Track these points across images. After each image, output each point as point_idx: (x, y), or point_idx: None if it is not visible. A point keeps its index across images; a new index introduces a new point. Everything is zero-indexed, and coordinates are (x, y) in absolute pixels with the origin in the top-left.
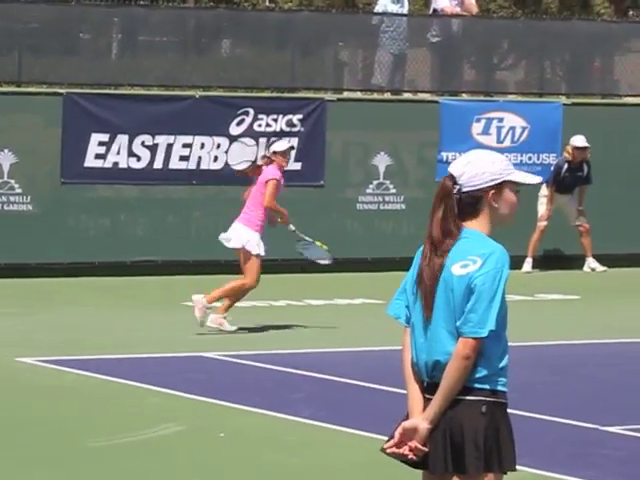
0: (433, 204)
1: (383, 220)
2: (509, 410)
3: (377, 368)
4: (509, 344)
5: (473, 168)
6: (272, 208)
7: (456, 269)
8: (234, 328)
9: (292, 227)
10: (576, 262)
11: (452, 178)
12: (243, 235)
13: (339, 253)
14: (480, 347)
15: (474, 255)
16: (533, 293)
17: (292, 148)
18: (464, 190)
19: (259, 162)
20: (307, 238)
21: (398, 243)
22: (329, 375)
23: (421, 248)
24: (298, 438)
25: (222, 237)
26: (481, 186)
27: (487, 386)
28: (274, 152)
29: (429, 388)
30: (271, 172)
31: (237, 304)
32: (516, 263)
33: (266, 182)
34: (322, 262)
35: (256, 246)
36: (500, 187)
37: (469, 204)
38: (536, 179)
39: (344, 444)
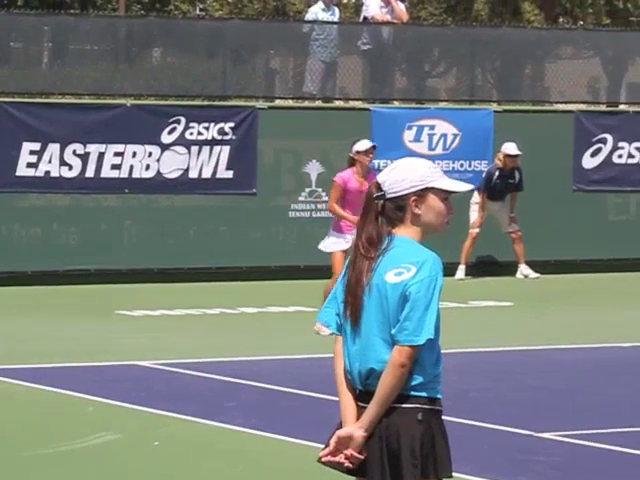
0: (362, 211)
1: (315, 227)
2: (444, 417)
3: (311, 376)
4: (443, 351)
5: (395, 175)
6: (330, 210)
7: (390, 277)
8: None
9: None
10: (509, 269)
11: (378, 185)
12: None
13: (272, 261)
14: (415, 355)
15: (407, 263)
16: (466, 300)
17: (374, 147)
18: (388, 197)
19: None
20: None
21: None
22: (264, 383)
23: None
24: (234, 446)
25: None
26: (401, 193)
27: (423, 393)
28: (357, 152)
29: (362, 396)
30: (338, 174)
31: (170, 312)
32: (449, 270)
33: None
34: None
35: (329, 245)
36: (423, 194)
37: (394, 211)
38: (465, 186)
39: (280, 452)
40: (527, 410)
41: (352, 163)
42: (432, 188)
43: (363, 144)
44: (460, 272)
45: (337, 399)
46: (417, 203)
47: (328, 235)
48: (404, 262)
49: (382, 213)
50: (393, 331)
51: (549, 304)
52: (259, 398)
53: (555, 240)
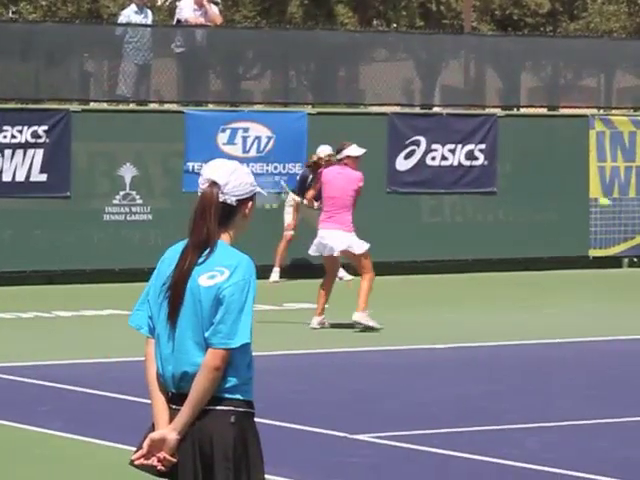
0: (195, 212)
1: (130, 231)
2: (258, 420)
3: (125, 379)
4: (257, 354)
5: (237, 178)
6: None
7: (203, 280)
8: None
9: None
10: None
11: (217, 186)
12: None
13: (87, 265)
14: (229, 358)
15: (221, 266)
16: (281, 302)
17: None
18: (229, 200)
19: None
20: None
21: (145, 253)
22: (78, 387)
23: (163, 257)
24: (50, 451)
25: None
26: (243, 196)
27: (237, 396)
28: (347, 156)
29: (176, 399)
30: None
31: None
32: (263, 273)
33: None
34: None
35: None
36: (252, 198)
37: (227, 214)
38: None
39: (95, 455)
40: (342, 412)
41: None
42: (255, 193)
43: (356, 150)
44: (275, 275)
45: (150, 402)
46: (249, 207)
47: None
48: (218, 265)
49: (217, 215)
50: (207, 334)
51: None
52: (75, 402)
53: (369, 242)
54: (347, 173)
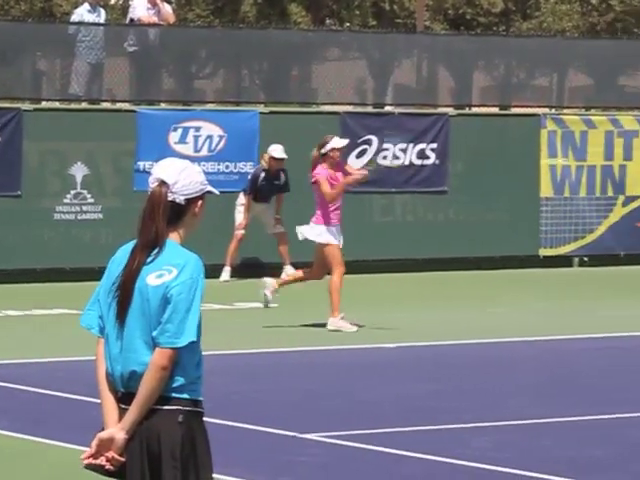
0: (144, 212)
1: (81, 230)
2: (206, 419)
3: (74, 378)
4: (207, 353)
5: (187, 177)
6: (332, 199)
7: (151, 279)
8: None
9: None
10: (274, 270)
11: (165, 185)
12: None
13: (37, 264)
14: (176, 357)
15: (169, 265)
16: (232, 302)
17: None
18: (177, 199)
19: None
20: None
21: (96, 252)
22: (26, 386)
23: (113, 257)
24: None
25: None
26: (193, 195)
27: (185, 395)
28: (333, 148)
29: (124, 398)
30: (316, 172)
31: None
32: (214, 272)
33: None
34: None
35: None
36: (202, 197)
37: (177, 212)
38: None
39: (44, 455)
40: (291, 411)
41: (319, 160)
42: (206, 192)
43: (339, 141)
44: (225, 274)
45: (99, 401)
46: (200, 206)
47: (315, 226)
48: (166, 264)
49: (166, 214)
50: (154, 333)
51: (314, 305)
52: (24, 401)
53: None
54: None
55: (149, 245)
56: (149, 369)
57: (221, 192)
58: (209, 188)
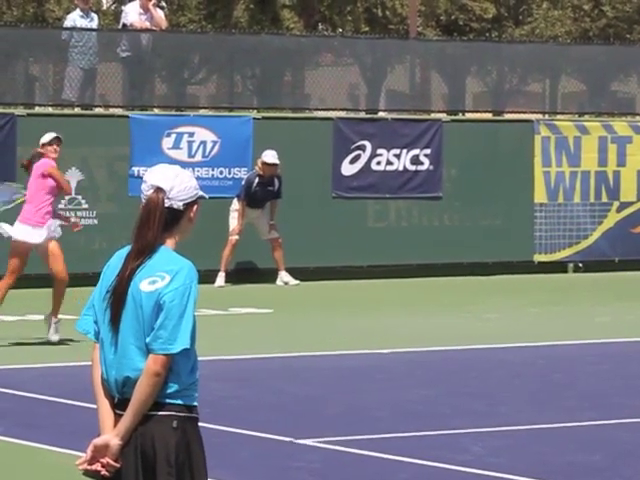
0: (140, 218)
1: (75, 235)
2: (202, 424)
3: (69, 384)
4: (202, 358)
5: (181, 182)
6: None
7: (144, 285)
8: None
9: None
10: (269, 276)
11: (162, 192)
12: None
13: (31, 269)
14: (170, 363)
15: (162, 271)
16: (227, 307)
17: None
18: (175, 205)
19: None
20: None
21: (91, 258)
22: (20, 391)
23: (109, 262)
24: None
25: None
26: (188, 200)
27: (179, 401)
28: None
29: (120, 404)
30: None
31: None
32: (209, 277)
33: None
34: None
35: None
36: (196, 202)
37: (171, 219)
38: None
39: (39, 460)
40: (287, 417)
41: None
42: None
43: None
44: (220, 279)
45: (95, 407)
46: (194, 211)
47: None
48: (159, 270)
49: (162, 220)
50: (148, 340)
51: (309, 311)
52: (16, 406)
53: (315, 247)
54: None
55: (143, 251)
56: (143, 375)
57: (215, 198)
58: (201, 193)
